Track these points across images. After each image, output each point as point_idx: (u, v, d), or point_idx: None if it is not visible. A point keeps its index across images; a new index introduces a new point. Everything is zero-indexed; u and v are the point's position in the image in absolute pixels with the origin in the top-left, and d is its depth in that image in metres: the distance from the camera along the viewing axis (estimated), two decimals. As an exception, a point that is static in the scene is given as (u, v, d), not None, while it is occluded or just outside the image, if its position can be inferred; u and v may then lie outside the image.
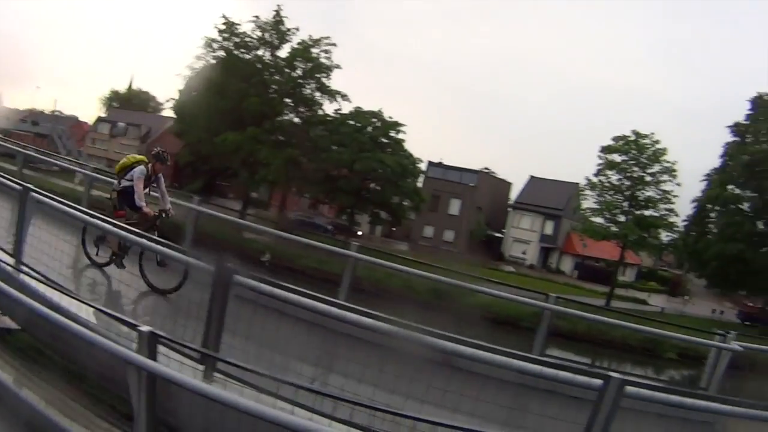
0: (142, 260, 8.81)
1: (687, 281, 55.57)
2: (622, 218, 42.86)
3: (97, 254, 9.46)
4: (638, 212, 42.96)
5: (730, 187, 45.62)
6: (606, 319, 11.38)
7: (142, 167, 9.47)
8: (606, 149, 44.44)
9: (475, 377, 5.78)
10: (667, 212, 43.71)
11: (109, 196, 10.21)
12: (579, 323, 16.83)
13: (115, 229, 7.72)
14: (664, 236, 44.99)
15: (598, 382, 4.71)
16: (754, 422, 5.65)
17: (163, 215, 9.63)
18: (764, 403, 5.60)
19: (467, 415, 5.07)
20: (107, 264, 9.34)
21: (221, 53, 46.19)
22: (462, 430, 4.27)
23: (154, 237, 7.97)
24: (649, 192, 43.46)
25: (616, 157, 44.12)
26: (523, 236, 62.94)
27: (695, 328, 11.42)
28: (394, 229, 57.01)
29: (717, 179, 45.80)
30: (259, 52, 46.50)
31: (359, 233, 54.39)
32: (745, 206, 45.70)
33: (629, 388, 4.70)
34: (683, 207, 47.06)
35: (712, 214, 46.54)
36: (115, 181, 9.82)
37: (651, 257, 56.27)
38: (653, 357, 24.56)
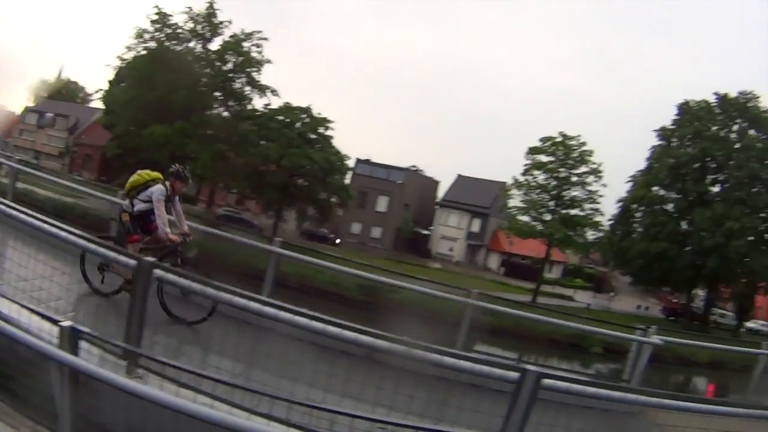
0: (163, 289, 7.78)
1: (612, 278, 57.47)
2: (548, 217, 43.45)
3: (102, 282, 8.05)
4: (564, 211, 43.72)
5: (654, 188, 47.32)
6: (526, 314, 11.29)
7: (161, 187, 8.19)
8: (533, 150, 45.05)
9: (396, 371, 5.71)
10: (592, 211, 44.57)
11: (119, 218, 8.73)
12: (506, 319, 16.91)
13: (127, 259, 6.42)
14: (590, 235, 45.89)
15: (515, 374, 4.78)
16: (674, 412, 5.77)
17: (184, 239, 8.51)
18: (684, 393, 5.81)
19: (387, 408, 5.10)
20: (117, 292, 7.98)
21: (152, 44, 45.46)
22: (381, 422, 4.31)
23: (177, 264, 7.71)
24: (575, 192, 44.32)
25: (543, 158, 44.84)
26: (450, 234, 63.53)
27: (619, 324, 11.41)
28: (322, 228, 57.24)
29: (642, 180, 47.42)
30: (191, 45, 46.12)
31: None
32: (669, 207, 47.43)
33: (546, 381, 4.79)
34: (609, 207, 48.60)
35: (637, 214, 48.06)
36: (125, 202, 8.56)
37: (577, 255, 57.23)
38: (580, 351, 24.78)
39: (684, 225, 46.83)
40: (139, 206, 8.23)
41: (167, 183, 8.29)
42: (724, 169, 46.93)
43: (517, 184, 45.12)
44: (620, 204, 48.18)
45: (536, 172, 44.55)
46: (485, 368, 5.00)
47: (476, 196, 61.46)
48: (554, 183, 44.06)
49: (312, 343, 6.03)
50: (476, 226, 63.08)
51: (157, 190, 8.09)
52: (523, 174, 45.08)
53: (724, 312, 53.99)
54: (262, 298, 5.95)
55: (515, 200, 45.50)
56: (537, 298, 42.36)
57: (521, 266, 56.94)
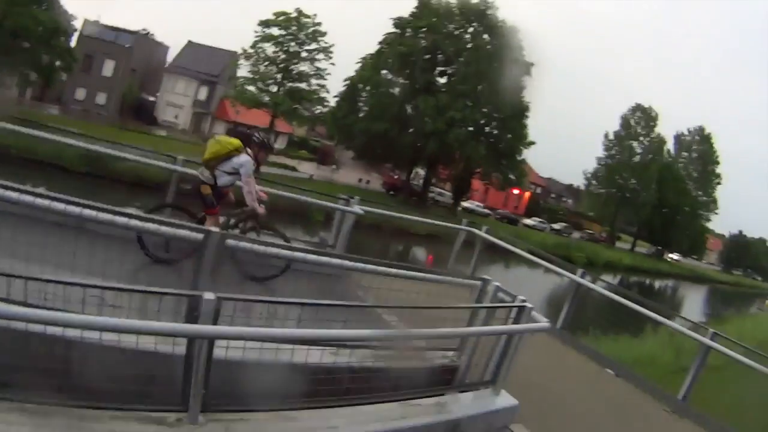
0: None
1: (336, 152, 58.13)
2: (275, 89, 43.65)
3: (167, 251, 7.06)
4: (291, 85, 44.03)
5: (384, 72, 48.76)
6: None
7: (248, 158, 7.32)
8: (265, 23, 44.41)
9: (107, 239, 5.46)
10: (318, 87, 45.69)
11: (198, 190, 7.43)
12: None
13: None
14: (316, 109, 46.13)
15: (198, 236, 4.85)
16: (370, 275, 6.01)
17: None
18: (379, 259, 6.14)
19: (101, 276, 4.72)
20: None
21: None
22: (92, 286, 3.88)
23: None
24: (304, 67, 44.92)
25: (275, 31, 44.01)
26: (177, 101, 60.75)
27: (329, 194, 11.20)
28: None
29: (371, 63, 48.72)
30: None
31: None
32: (396, 91, 49.11)
33: (229, 241, 4.97)
34: (338, 85, 49.62)
35: (364, 94, 49.24)
36: (203, 171, 7.44)
37: (303, 127, 58.08)
38: (305, 219, 25.21)
39: (409, 109, 48.69)
40: (224, 179, 7.36)
41: (250, 152, 7.44)
42: (453, 64, 49.47)
43: (247, 55, 44.72)
44: (347, 83, 49.10)
45: (266, 45, 44.28)
46: (176, 231, 5.02)
47: (205, 64, 59.26)
48: (283, 57, 44.07)
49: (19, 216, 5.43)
50: (203, 94, 61.11)
51: (248, 163, 7.28)
52: (253, 46, 44.64)
53: (442, 191, 58.18)
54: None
55: (244, 70, 45.48)
56: (261, 168, 41.71)
57: (246, 135, 55.45)
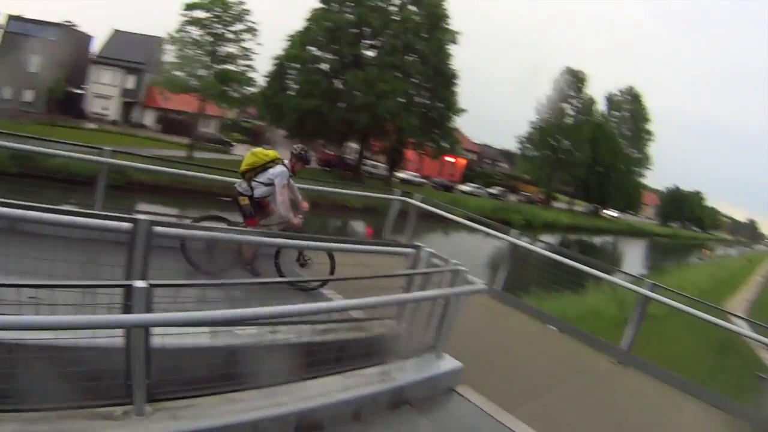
0: (279, 261, 7.53)
1: (269, 132, 57.86)
2: (203, 72, 42.76)
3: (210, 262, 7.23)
4: (219, 67, 43.23)
5: (312, 48, 48.76)
6: (168, 169, 10.85)
7: (283, 169, 7.52)
8: (189, 6, 43.34)
9: (43, 239, 5.32)
10: (246, 68, 44.58)
11: (236, 201, 7.65)
12: (162, 176, 16.47)
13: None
14: (246, 90, 45.91)
15: (128, 225, 4.74)
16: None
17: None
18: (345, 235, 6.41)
19: (46, 277, 4.67)
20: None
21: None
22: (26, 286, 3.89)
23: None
24: (231, 48, 43.96)
25: (200, 13, 43.41)
26: (105, 92, 59.07)
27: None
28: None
29: (298, 40, 48.48)
30: None
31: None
32: (324, 67, 49.05)
33: (158, 228, 4.86)
34: (267, 64, 49.58)
35: (292, 72, 49.14)
36: (242, 183, 7.65)
37: (234, 110, 57.30)
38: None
39: (338, 84, 48.78)
40: (261, 190, 7.54)
41: (287, 163, 7.70)
42: (381, 36, 49.46)
43: (172, 40, 43.48)
44: (276, 61, 49.04)
45: (191, 28, 43.17)
46: (98, 222, 4.93)
47: (132, 52, 58.06)
48: (210, 39, 43.20)
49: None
50: (131, 82, 59.75)
51: (281, 174, 7.46)
52: (179, 30, 43.45)
53: (377, 164, 58.43)
54: None
55: (170, 56, 44.08)
56: (195, 153, 42.41)
57: (178, 122, 55.64)
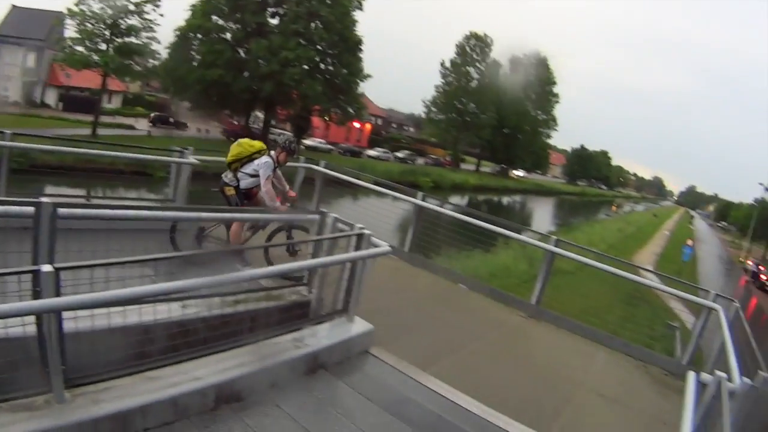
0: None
1: (173, 104, 56.44)
2: (104, 47, 41.59)
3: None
4: (120, 40, 42.11)
5: (214, 18, 48.13)
6: (68, 148, 10.36)
7: (268, 160, 7.52)
8: (89, -23, 41.80)
9: None
10: (149, 40, 43.62)
11: (222, 192, 7.75)
12: (66, 156, 16.65)
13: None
14: (149, 63, 45.42)
15: (30, 209, 4.62)
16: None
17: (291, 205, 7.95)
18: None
19: None
20: None
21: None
22: None
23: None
24: (132, 21, 42.66)
25: (100, -14, 41.77)
26: (5, 71, 56.45)
27: (160, 148, 11.21)
28: None
29: (200, 10, 47.75)
30: None
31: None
32: (227, 36, 48.69)
33: (62, 210, 4.74)
34: (169, 35, 48.47)
35: (196, 43, 48.47)
36: (228, 174, 7.74)
37: (137, 83, 56.59)
38: (148, 177, 25.08)
39: (242, 53, 48.61)
40: (246, 181, 7.61)
41: (273, 154, 7.68)
42: (284, 3, 49.21)
43: (72, 14, 41.72)
44: (178, 33, 48.17)
45: (91, 1, 41.54)
46: (3, 208, 4.83)
47: (31, 29, 54.18)
48: (110, 12, 41.65)
49: None
50: (31, 61, 56.46)
51: (265, 165, 7.45)
52: (78, 3, 41.66)
53: (283, 132, 57.29)
54: None
55: (71, 31, 42.48)
56: (98, 130, 41.46)
57: (81, 99, 53.83)
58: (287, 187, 8.01)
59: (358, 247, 6.02)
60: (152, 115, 54.89)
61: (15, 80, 56.32)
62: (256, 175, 7.52)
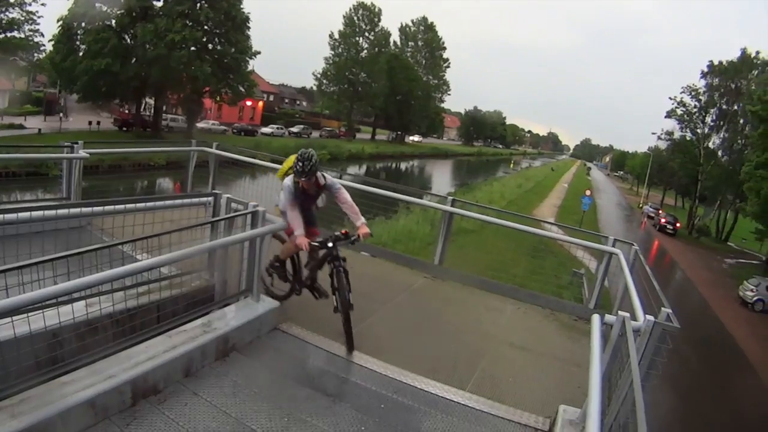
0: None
1: (61, 99, 55.05)
2: None
3: (272, 285, 7.04)
4: (2, 36, 40.91)
5: (97, 5, 46.90)
6: None
7: (287, 183, 6.27)
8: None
9: None
10: (32, 33, 42.75)
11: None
12: None
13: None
14: (34, 57, 44.46)
15: None
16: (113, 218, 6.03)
17: (353, 239, 6.44)
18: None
19: None
20: (286, 297, 6.94)
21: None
22: None
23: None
24: (13, 14, 41.55)
25: (-24, -22, 39.86)
26: None
27: (50, 145, 11.29)
28: None
29: None
30: None
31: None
32: (113, 23, 47.56)
33: None
34: (52, 27, 46.90)
35: (80, 32, 47.13)
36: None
37: (23, 79, 54.94)
38: (42, 177, 24.20)
39: (128, 39, 47.72)
40: (280, 200, 6.54)
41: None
42: None
43: None
44: (61, 23, 46.39)
45: None
46: None
47: None
48: None
49: None
50: None
51: (284, 188, 6.32)
52: None
53: (175, 117, 57.79)
54: None
55: None
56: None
57: None
58: (360, 219, 6.51)
59: (254, 225, 6.06)
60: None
61: None
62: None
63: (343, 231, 6.43)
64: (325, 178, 6.41)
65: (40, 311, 4.36)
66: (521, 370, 6.53)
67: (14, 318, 4.02)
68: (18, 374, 4.11)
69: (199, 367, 5.26)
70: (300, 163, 6.04)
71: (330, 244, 6.26)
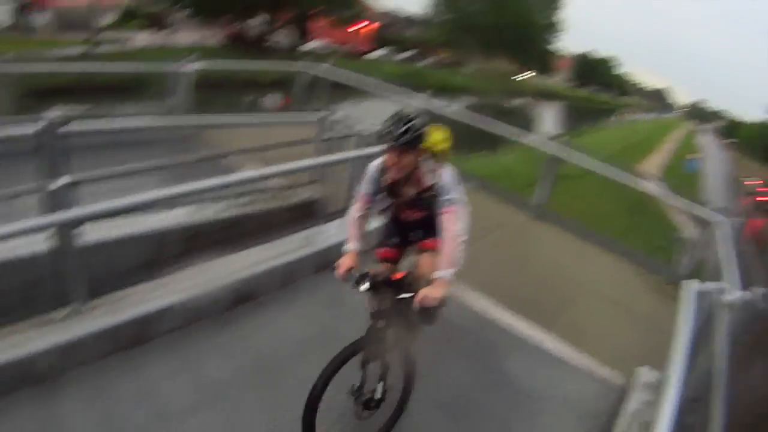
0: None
1: (169, 14, 53.97)
2: None
3: None
4: None
5: None
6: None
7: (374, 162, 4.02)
8: None
9: None
10: None
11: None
12: (60, 76, 17.17)
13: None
14: None
15: (38, 127, 4.54)
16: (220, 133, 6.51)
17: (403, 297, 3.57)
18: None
19: None
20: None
21: None
22: None
23: None
24: None
25: None
26: None
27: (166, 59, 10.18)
28: None
29: None
30: None
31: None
32: None
33: (72, 127, 4.66)
34: None
35: None
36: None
37: None
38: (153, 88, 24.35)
39: None
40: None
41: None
42: None
43: None
44: None
45: None
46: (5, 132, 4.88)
47: None
48: None
49: None
50: None
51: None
52: None
53: (284, 36, 55.69)
54: None
55: None
56: (97, 47, 37.79)
57: (74, 17, 48.12)
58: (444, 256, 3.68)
59: (358, 147, 6.03)
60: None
61: (3, 8, 51.05)
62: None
63: (397, 274, 3.78)
64: (440, 174, 3.71)
65: (152, 213, 4.61)
66: (606, 324, 6.44)
67: (126, 219, 4.29)
68: (123, 272, 4.30)
69: (296, 279, 5.32)
70: (391, 125, 3.47)
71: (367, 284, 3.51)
